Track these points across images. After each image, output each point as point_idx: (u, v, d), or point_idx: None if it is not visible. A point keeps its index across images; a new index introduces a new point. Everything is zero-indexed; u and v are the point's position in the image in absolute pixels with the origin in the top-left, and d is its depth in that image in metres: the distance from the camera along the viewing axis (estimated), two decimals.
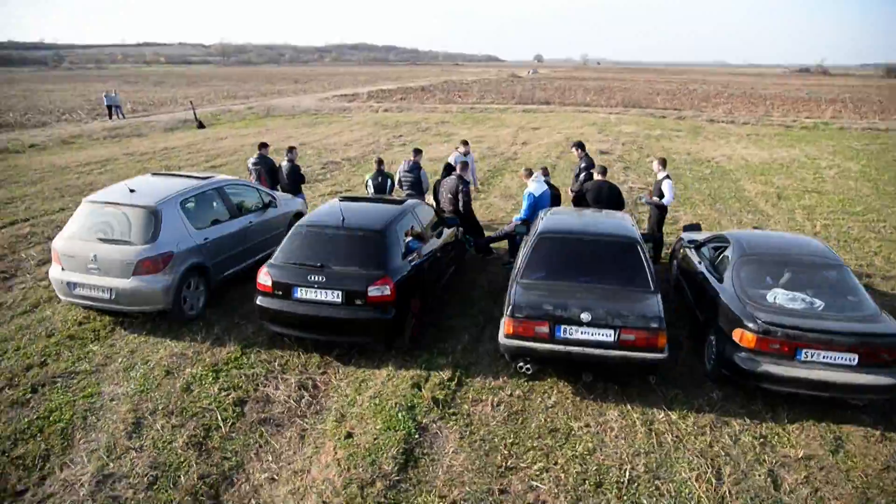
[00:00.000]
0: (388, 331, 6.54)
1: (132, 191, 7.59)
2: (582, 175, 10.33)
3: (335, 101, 38.53)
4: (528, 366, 6.07)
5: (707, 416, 5.76)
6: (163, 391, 6.05)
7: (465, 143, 11.67)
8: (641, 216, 11.81)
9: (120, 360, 6.64)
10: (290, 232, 6.99)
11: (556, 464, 5.09)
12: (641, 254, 6.40)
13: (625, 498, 4.71)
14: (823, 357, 5.57)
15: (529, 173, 9.19)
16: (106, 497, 4.69)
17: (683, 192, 14.59)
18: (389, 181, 9.98)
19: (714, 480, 4.90)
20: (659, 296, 6.08)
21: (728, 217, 12.55)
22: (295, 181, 10.44)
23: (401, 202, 7.76)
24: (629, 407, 5.89)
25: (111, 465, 5.04)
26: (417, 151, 10.41)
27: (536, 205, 8.86)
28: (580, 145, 10.86)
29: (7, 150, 19.25)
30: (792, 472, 5.04)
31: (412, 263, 6.93)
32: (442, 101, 37.88)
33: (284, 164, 10.47)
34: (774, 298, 6.03)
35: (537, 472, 4.97)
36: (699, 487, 4.81)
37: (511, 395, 6.08)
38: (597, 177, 9.42)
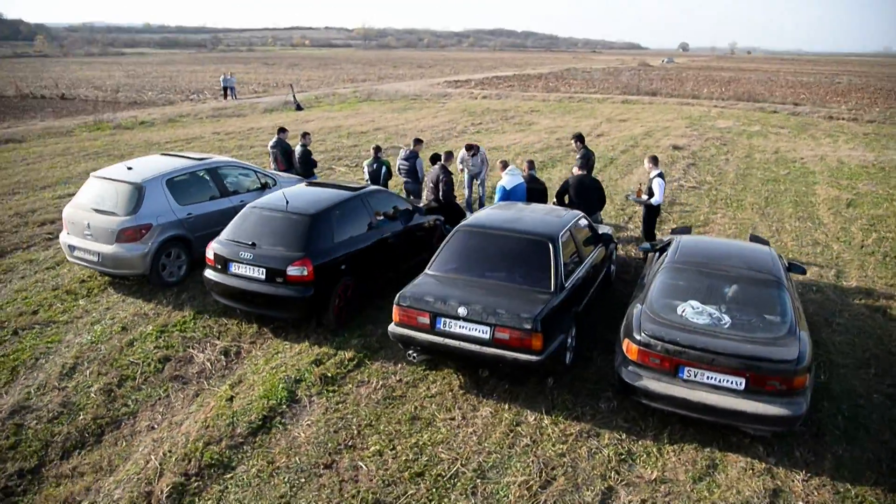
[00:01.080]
0: (306, 309, 6.97)
1: (129, 168, 8.59)
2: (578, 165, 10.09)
3: (442, 86, 39.23)
4: (415, 354, 6.25)
5: (581, 425, 5.62)
6: (109, 344, 6.92)
7: (470, 147, 11.68)
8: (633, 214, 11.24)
9: (94, 314, 7.64)
10: (240, 212, 7.61)
11: (393, 449, 5.28)
12: (551, 253, 6.30)
13: (434, 491, 4.81)
14: (708, 378, 5.22)
15: (505, 165, 9.15)
16: (13, 423, 5.56)
17: (738, 193, 13.58)
18: (385, 168, 10.33)
19: (538, 489, 4.85)
20: (557, 297, 5.99)
21: (770, 223, 11.56)
22: (307, 165, 11.11)
23: (356, 189, 8.09)
24: (508, 406, 5.89)
25: (33, 399, 5.93)
26: (417, 141, 10.66)
27: (508, 198, 8.83)
28: (579, 137, 10.60)
29: (120, 126, 21.89)
30: (632, 493, 4.85)
31: (355, 248, 7.33)
32: (545, 89, 37.33)
33: (298, 148, 11.17)
34: (683, 311, 5.71)
35: (370, 455, 5.20)
36: (514, 492, 4.80)
37: (399, 380, 6.29)
38: (576, 171, 9.18)
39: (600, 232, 8.18)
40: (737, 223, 11.58)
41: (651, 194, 9.15)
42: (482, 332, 5.78)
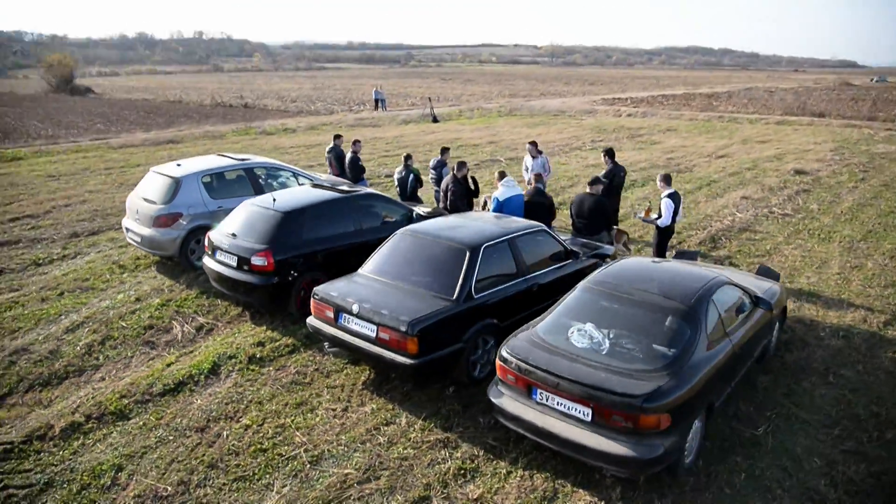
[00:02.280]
0: (267, 296, 7.66)
1: (178, 165, 10.00)
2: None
3: (594, 103, 38.50)
4: (328, 346, 6.61)
5: (447, 435, 5.61)
6: (117, 310, 8.20)
7: (533, 143, 11.73)
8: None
9: (125, 286, 9.04)
10: (238, 206, 8.54)
11: (260, 425, 5.73)
12: (465, 262, 6.33)
13: (264, 467, 5.19)
14: (559, 403, 4.97)
15: (502, 176, 9.10)
16: (8, 360, 6.90)
17: (836, 224, 11.92)
18: (412, 176, 10.76)
19: (353, 483, 5.01)
20: (458, 306, 6.04)
21: (848, 259, 10.05)
22: (355, 170, 11.92)
23: (346, 192, 8.62)
24: (392, 406, 6.05)
25: (34, 345, 7.28)
26: (444, 150, 10.97)
27: (501, 210, 8.80)
28: (609, 153, 10.15)
29: (264, 132, 24.73)
30: None
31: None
32: (699, 108, 34.99)
33: (349, 155, 12.02)
34: (571, 332, 5.45)
35: (238, 427, 5.70)
36: (329, 482, 5.00)
37: (316, 370, 6.71)
38: (588, 189, 8.87)
39: (600, 251, 7.95)
40: (808, 256, 10.26)
41: (660, 215, 8.59)
42: (370, 329, 6.02)
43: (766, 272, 7.66)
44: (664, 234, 8.69)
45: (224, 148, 20.42)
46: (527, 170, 11.77)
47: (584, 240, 8.58)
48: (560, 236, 7.85)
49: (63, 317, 8.00)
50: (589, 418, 4.78)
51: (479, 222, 7.31)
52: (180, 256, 9.40)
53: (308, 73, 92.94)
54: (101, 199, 13.74)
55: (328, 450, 5.41)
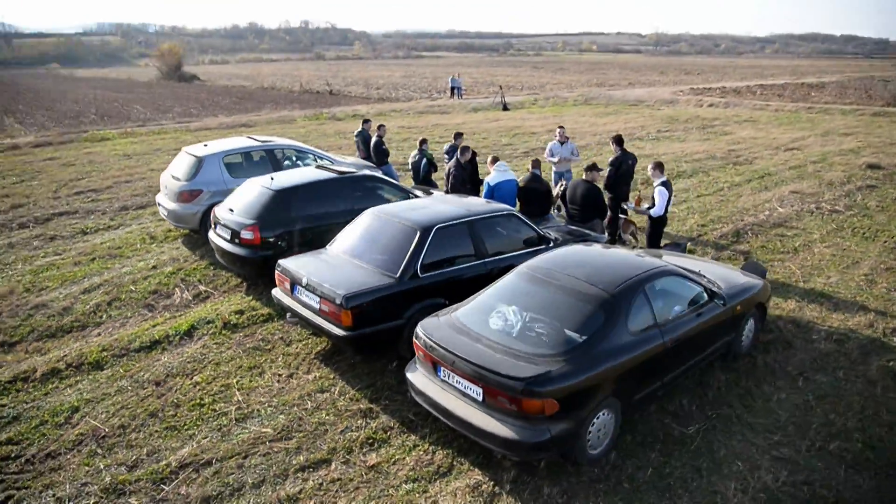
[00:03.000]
0: (254, 268, 8.14)
1: (205, 145, 10.72)
2: (608, 170, 9.53)
3: (678, 93, 36.80)
4: (288, 315, 6.97)
5: (373, 406, 5.84)
6: (132, 276, 8.98)
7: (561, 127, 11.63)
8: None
9: (149, 255, 9.87)
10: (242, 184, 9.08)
11: (208, 384, 6.18)
12: (414, 241, 6.48)
13: (195, 419, 5.64)
14: (457, 382, 5.04)
15: (494, 161, 9.08)
16: (27, 313, 7.79)
17: (890, 222, 10.92)
18: (425, 160, 10.94)
19: (267, 441, 5.34)
20: (399, 284, 6.22)
21: (885, 258, 9.24)
22: (378, 154, 12.25)
23: (342, 174, 8.94)
24: (334, 376, 6.34)
25: (52, 302, 8.16)
26: (458, 135, 11.05)
27: (492, 195, 8.82)
28: (618, 140, 9.86)
29: (333, 117, 25.63)
30: (338, 470, 5.00)
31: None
32: (790, 98, 32.61)
33: (374, 139, 12.37)
34: (492, 314, 5.48)
35: (189, 383, 6.19)
36: (246, 437, 5.36)
37: (281, 338, 7.12)
38: (584, 176, 8.71)
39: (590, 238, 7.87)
40: (840, 254, 9.53)
41: (654, 204, 8.30)
42: (315, 301, 6.32)
43: (752, 268, 7.24)
44: (657, 224, 8.39)
45: (289, 132, 21.42)
46: (551, 154, 11.64)
47: (574, 227, 8.46)
48: (543, 221, 7.78)
49: (86, 279, 8.88)
50: (480, 398, 4.83)
51: (444, 205, 7.39)
52: (200, 230, 10.11)
53: (404, 62, 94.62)
54: (158, 177, 14.89)
55: (258, 409, 5.77)
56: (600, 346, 4.91)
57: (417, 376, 5.39)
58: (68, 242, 10.46)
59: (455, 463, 5.06)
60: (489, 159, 9.24)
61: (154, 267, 9.28)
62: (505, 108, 28.83)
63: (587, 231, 8.31)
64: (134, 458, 5.16)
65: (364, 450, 5.25)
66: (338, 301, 5.99)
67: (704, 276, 6.34)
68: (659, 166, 8.43)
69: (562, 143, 11.44)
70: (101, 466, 5.06)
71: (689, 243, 9.96)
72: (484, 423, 4.73)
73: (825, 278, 8.74)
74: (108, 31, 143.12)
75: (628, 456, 5.12)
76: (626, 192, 9.78)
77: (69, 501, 4.70)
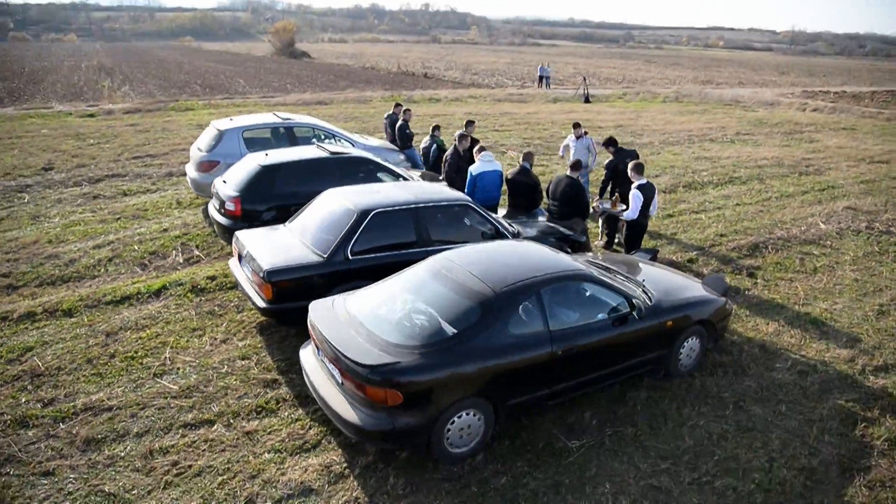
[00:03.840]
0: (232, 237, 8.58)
1: (231, 119, 11.34)
2: (604, 174, 9.17)
3: (783, 96, 34.10)
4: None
5: (280, 377, 6.05)
6: (140, 237, 9.70)
7: (576, 125, 11.25)
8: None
9: (166, 219, 10.63)
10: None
11: (147, 340, 6.66)
12: (349, 224, 6.60)
13: (121, 368, 6.10)
14: (328, 363, 5.13)
15: (480, 150, 8.94)
16: (38, 262, 8.69)
17: None
18: (435, 146, 10.96)
19: (174, 397, 5.70)
20: (326, 265, 6.38)
21: (890, 290, 8.28)
22: (402, 137, 12.40)
23: (335, 154, 9.15)
24: (254, 344, 6.62)
25: (64, 254, 9.02)
26: (469, 123, 11.00)
27: (474, 185, 8.73)
28: (610, 142, 9.41)
29: (409, 99, 26.01)
30: (218, 429, 5.30)
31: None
32: None
33: (399, 122, 12.52)
34: (384, 301, 5.45)
35: (127, 337, 6.69)
36: (158, 389, 5.76)
37: (236, 305, 7.50)
38: (569, 171, 8.43)
39: (571, 237, 7.81)
40: (864, 280, 8.61)
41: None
42: (248, 273, 6.61)
43: (712, 282, 6.72)
44: (632, 228, 7.96)
45: (360, 112, 22.06)
46: (567, 149, 11.32)
47: (551, 223, 8.22)
48: (495, 214, 7.63)
49: (102, 236, 9.73)
50: (340, 381, 4.90)
51: (398, 191, 7.41)
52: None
53: (517, 49, 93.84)
54: None
55: (177, 368, 6.16)
56: (468, 345, 4.82)
57: (306, 354, 5.54)
58: (107, 202, 11.46)
59: (323, 441, 5.18)
60: (475, 149, 9.12)
61: (165, 230, 10.00)
62: (586, 101, 28.02)
63: (564, 230, 8.05)
64: (52, 396, 5.69)
65: (250, 417, 5.49)
66: (261, 274, 6.24)
67: (637, 287, 6.00)
68: (638, 168, 7.98)
69: (578, 139, 11.05)
70: (23, 400, 5.63)
71: (694, 253, 9.38)
72: (338, 406, 4.81)
73: (830, 304, 7.95)
74: (239, 7, 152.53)
75: (495, 460, 5.01)
76: (626, 191, 9.33)
77: None
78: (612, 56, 80.00)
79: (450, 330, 4.90)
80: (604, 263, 6.63)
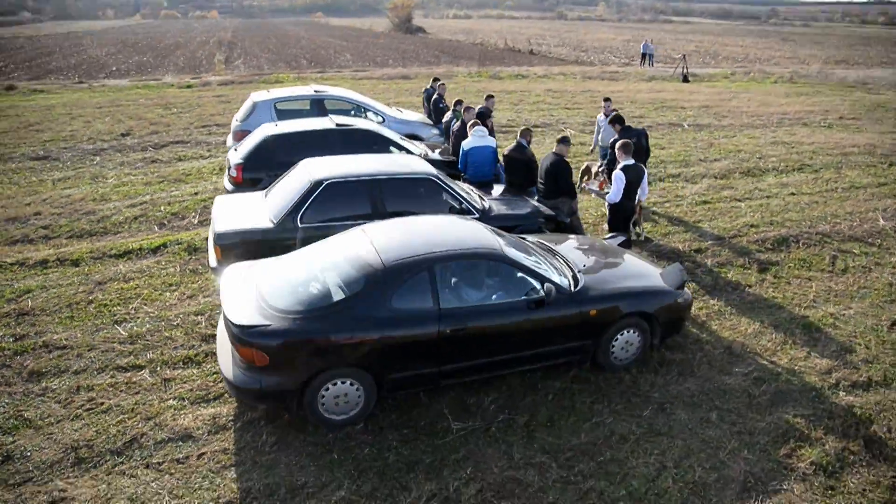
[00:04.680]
0: None
1: (268, 91, 11.87)
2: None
3: None
4: None
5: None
6: (171, 199, 10.49)
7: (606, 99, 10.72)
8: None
9: (204, 184, 11.40)
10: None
11: (124, 289, 7.27)
12: (302, 192, 6.82)
13: (80, 318, 6.73)
14: (223, 324, 5.37)
15: (474, 125, 8.72)
16: (75, 217, 9.70)
17: None
18: (457, 120, 10.83)
19: (121, 345, 6.22)
20: (274, 230, 6.64)
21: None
22: (436, 111, 12.38)
23: (340, 126, 9.34)
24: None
25: (100, 211, 9.99)
26: (489, 97, 10.83)
27: (466, 160, 8.59)
28: (617, 119, 8.79)
29: (496, 76, 25.74)
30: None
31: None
32: None
33: (435, 96, 12.49)
34: (293, 268, 5.52)
35: (105, 297, 7.33)
36: (104, 341, 6.31)
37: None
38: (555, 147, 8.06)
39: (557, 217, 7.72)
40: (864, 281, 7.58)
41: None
42: (211, 234, 7.00)
43: (668, 275, 6.17)
44: (615, 211, 7.46)
45: (451, 87, 22.10)
46: (599, 129, 10.79)
47: (536, 203, 7.95)
48: (463, 191, 7.46)
49: (139, 197, 10.64)
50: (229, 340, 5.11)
51: (367, 163, 7.43)
52: None
53: (646, 26, 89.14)
54: None
55: (138, 317, 6.69)
56: (345, 315, 4.84)
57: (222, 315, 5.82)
58: (160, 167, 12.48)
59: (225, 395, 5.44)
60: (469, 123, 8.93)
61: (195, 194, 10.75)
62: (685, 80, 26.23)
63: (545, 209, 7.75)
64: (24, 333, 6.41)
65: (175, 366, 5.87)
66: (213, 237, 6.60)
67: (564, 272, 5.69)
68: (624, 147, 7.42)
69: (606, 116, 10.46)
70: (1, 334, 6.39)
71: (708, 242, 8.66)
72: (223, 363, 5.04)
73: (841, 308, 7.08)
74: None
75: (371, 432, 5.02)
76: None
77: None
78: (747, 34, 73.80)
79: (332, 299, 4.95)
80: (545, 244, 6.34)
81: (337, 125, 9.39)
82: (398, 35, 57.25)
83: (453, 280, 5.29)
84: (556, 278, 5.52)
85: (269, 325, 4.75)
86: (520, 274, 5.38)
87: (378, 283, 4.96)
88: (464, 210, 7.25)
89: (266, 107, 11.36)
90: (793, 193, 10.97)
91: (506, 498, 4.39)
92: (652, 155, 13.10)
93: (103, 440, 4.93)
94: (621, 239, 7.00)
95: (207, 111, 17.50)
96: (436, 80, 13.13)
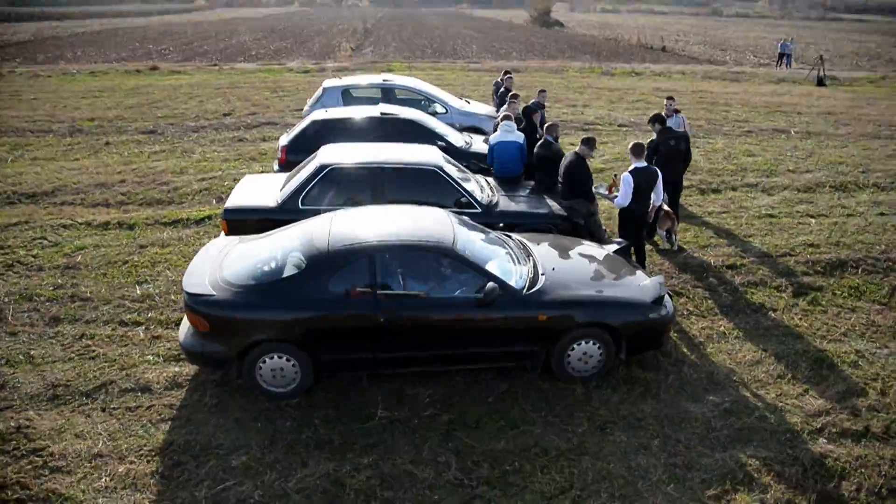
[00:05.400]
0: None
1: (339, 78, 12.41)
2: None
3: None
4: None
5: None
6: (225, 176, 11.34)
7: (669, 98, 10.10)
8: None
9: (270, 163, 12.15)
10: None
11: (145, 247, 8.05)
12: (308, 175, 7.18)
13: (104, 268, 7.55)
14: None
15: (505, 118, 8.60)
16: (161, 182, 10.81)
17: None
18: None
19: (109, 333, 6.95)
20: (276, 210, 7.05)
21: None
22: (502, 104, 12.26)
23: (384, 115, 9.59)
24: None
25: (175, 182, 11.04)
26: (541, 92, 10.60)
27: (492, 155, 8.51)
28: (657, 119, 8.26)
29: (607, 73, 24.77)
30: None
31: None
32: None
33: (502, 88, 12.39)
34: (265, 249, 5.82)
35: (141, 255, 8.14)
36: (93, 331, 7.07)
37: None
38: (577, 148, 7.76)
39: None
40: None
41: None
42: None
43: (646, 289, 5.72)
44: (623, 216, 7.04)
45: (540, 81, 21.83)
46: None
47: (553, 201, 7.75)
48: (469, 185, 7.41)
49: (211, 172, 11.51)
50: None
51: (379, 151, 7.57)
52: None
53: (807, 24, 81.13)
54: None
55: (156, 280, 7.38)
56: (283, 293, 5.09)
57: None
58: (243, 145, 13.47)
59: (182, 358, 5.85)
60: (500, 118, 8.80)
61: (261, 172, 11.52)
62: (820, 83, 23.67)
63: (556, 210, 7.54)
64: (63, 283, 7.30)
65: (168, 326, 6.43)
66: (221, 212, 7.12)
67: (523, 274, 5.53)
68: (636, 149, 6.95)
69: (668, 117, 9.81)
70: (44, 282, 7.32)
71: (749, 259, 7.93)
72: (183, 324, 5.49)
73: (873, 346, 6.27)
74: None
75: (302, 408, 5.20)
76: (674, 177, 8.23)
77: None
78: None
79: (276, 277, 5.21)
80: (522, 243, 6.17)
81: (381, 114, 9.65)
82: (534, 28, 56.63)
83: (398, 270, 5.34)
84: (512, 279, 5.39)
85: (213, 295, 5.11)
86: (466, 270, 5.31)
87: (319, 266, 5.14)
88: (465, 204, 7.22)
89: (335, 93, 11.90)
90: (882, 214, 9.69)
91: (392, 490, 4.41)
92: (735, 161, 12.25)
93: (80, 382, 5.54)
94: (617, 246, 6.62)
95: (309, 95, 18.50)
96: (506, 73, 13.01)
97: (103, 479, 4.49)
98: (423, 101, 11.96)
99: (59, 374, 5.65)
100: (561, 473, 4.59)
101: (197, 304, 5.09)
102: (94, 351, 6.03)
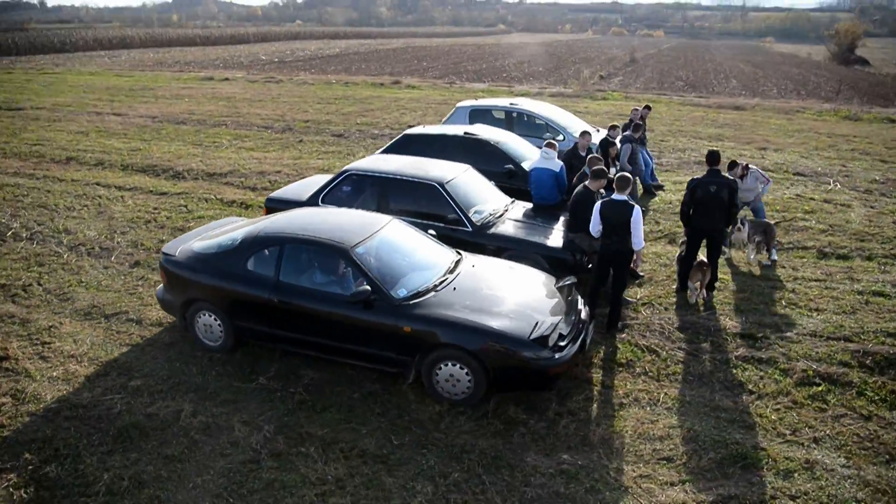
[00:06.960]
0: None
1: (476, 100, 13.19)
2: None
3: None
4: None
5: None
6: (277, 170, 12.86)
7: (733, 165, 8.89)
8: None
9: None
10: None
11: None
12: (325, 181, 8.20)
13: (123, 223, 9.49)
14: None
15: (548, 145, 8.49)
16: (193, 164, 12.91)
17: None
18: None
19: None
20: (304, 204, 8.22)
21: None
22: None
23: (466, 134, 10.11)
24: None
25: (210, 167, 13.01)
26: (613, 127, 10.21)
27: (530, 179, 8.53)
28: (709, 159, 7.51)
29: (846, 117, 20.99)
30: None
31: None
32: None
33: (629, 119, 11.87)
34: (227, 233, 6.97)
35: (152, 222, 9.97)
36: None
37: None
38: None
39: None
40: None
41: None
42: None
43: (524, 326, 5.43)
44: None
45: (771, 123, 19.70)
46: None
47: (560, 235, 7.63)
48: (465, 205, 7.62)
49: (266, 165, 13.28)
50: None
51: (403, 164, 8.20)
52: None
53: None
54: None
55: (173, 233, 9.05)
56: (213, 263, 6.20)
57: None
58: (290, 148, 15.10)
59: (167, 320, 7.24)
60: (545, 144, 8.68)
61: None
62: None
63: (548, 244, 7.41)
64: (75, 226, 9.59)
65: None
66: (265, 199, 8.57)
67: (404, 280, 5.82)
68: (618, 181, 6.36)
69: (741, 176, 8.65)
70: (162, 236, 9.57)
71: (783, 334, 6.74)
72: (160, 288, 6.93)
73: (837, 459, 5.03)
74: (843, 6, 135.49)
75: (225, 365, 6.18)
76: (710, 226, 7.34)
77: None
78: None
79: (214, 250, 6.34)
80: (457, 260, 6.41)
81: (465, 133, 10.23)
82: (828, 65, 49.53)
83: (305, 261, 6.04)
84: (395, 289, 5.69)
85: (173, 256, 6.44)
86: (353, 271, 5.79)
87: (244, 246, 6.14)
88: (455, 222, 7.52)
89: (463, 112, 12.73)
90: None
91: (202, 433, 5.20)
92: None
93: (109, 308, 7.35)
94: (570, 281, 6.28)
95: (391, 114, 19.81)
96: (647, 107, 12.41)
97: (57, 371, 6.07)
98: (543, 126, 12.13)
99: (102, 300, 7.54)
100: (336, 471, 4.84)
101: (164, 262, 6.48)
102: (100, 282, 7.92)
